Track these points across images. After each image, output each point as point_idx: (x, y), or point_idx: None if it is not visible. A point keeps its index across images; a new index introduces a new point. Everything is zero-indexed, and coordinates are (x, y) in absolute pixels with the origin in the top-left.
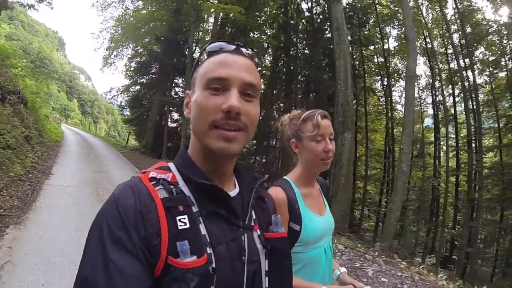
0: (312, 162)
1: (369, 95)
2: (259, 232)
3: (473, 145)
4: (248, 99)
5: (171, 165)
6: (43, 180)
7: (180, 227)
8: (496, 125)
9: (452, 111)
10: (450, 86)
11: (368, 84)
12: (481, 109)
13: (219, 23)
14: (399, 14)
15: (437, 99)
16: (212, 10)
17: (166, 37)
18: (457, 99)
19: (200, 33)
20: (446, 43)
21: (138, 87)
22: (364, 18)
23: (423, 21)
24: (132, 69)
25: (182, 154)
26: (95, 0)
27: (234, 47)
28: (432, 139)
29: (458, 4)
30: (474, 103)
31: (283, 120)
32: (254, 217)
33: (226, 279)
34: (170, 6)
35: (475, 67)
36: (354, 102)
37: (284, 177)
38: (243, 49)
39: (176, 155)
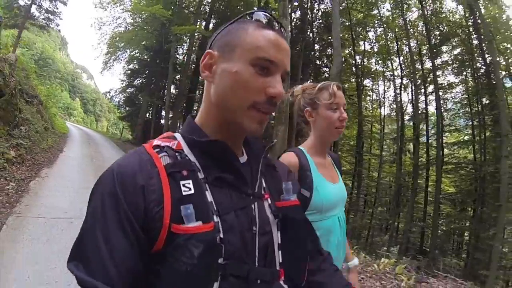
0: (326, 130)
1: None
2: (269, 201)
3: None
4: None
5: (177, 134)
6: (58, 153)
7: (184, 192)
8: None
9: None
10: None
11: (344, 84)
12: (443, 107)
13: (200, 35)
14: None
15: (413, 98)
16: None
17: (153, 48)
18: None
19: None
20: (406, 44)
21: (132, 89)
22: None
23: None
24: (129, 72)
25: (189, 122)
26: (93, 21)
27: (275, 23)
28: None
29: (426, 6)
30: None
31: (295, 91)
32: (264, 185)
33: (236, 251)
34: (153, 23)
35: (440, 67)
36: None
37: (298, 146)
38: (280, 28)
39: (183, 124)
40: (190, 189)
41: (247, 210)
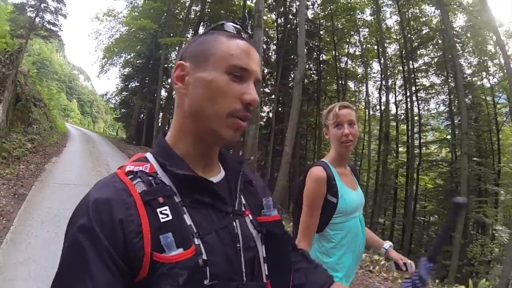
0: (336, 144)
1: (321, 95)
2: (251, 217)
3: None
4: None
5: (149, 155)
6: (62, 147)
7: (162, 220)
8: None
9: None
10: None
11: (328, 86)
12: (426, 108)
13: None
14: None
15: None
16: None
17: (145, 55)
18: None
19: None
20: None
21: (127, 92)
22: (317, 29)
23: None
24: (123, 76)
25: (160, 142)
26: (90, 31)
27: (245, 33)
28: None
29: (405, 11)
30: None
31: (322, 114)
32: (243, 202)
33: (221, 271)
34: (144, 31)
35: (419, 69)
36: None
37: (322, 159)
38: (250, 37)
39: (154, 144)
40: (167, 215)
41: (228, 228)
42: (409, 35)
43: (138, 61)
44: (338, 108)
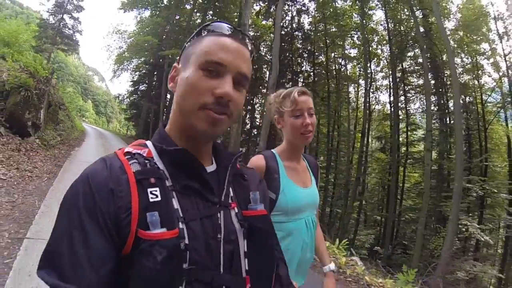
0: (293, 136)
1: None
2: (236, 210)
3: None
4: (238, 88)
5: (148, 142)
6: (82, 142)
7: (151, 199)
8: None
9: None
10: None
11: (324, 86)
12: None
13: None
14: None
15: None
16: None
17: (151, 63)
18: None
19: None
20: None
21: (136, 95)
22: (312, 33)
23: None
24: (133, 81)
25: (160, 131)
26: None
27: (234, 31)
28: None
29: (394, 14)
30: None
31: (270, 99)
32: (231, 194)
33: (200, 258)
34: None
35: (407, 70)
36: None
37: (272, 150)
38: (242, 36)
39: (154, 133)
40: (157, 196)
41: (212, 218)
42: (398, 38)
43: (147, 66)
44: (297, 94)
